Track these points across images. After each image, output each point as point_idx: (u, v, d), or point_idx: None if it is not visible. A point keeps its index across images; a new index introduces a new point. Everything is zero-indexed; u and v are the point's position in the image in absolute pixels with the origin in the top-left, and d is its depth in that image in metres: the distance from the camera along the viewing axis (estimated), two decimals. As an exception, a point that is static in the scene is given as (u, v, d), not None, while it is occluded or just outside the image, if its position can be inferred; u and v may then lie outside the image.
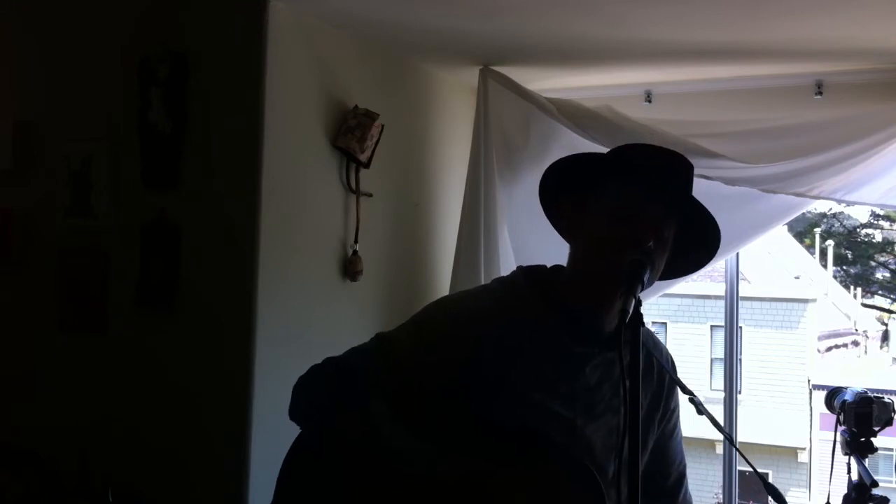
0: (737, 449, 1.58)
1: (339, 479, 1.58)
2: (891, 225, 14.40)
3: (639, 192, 1.53)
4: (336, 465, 1.59)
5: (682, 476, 1.77)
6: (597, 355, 1.59)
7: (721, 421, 3.42)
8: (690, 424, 1.86)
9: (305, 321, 2.72)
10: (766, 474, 11.92)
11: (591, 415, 1.59)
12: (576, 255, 1.63)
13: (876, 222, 14.38)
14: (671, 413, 1.73)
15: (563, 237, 1.65)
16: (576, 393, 1.58)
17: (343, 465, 1.58)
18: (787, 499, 1.70)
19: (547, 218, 1.68)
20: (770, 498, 1.43)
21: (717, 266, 3.69)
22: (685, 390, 1.55)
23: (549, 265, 1.70)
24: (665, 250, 1.55)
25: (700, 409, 1.46)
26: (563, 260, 1.67)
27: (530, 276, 1.67)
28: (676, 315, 12.60)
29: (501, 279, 1.74)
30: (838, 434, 2.24)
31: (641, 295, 1.43)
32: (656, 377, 1.69)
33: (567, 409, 1.57)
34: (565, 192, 1.63)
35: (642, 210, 1.52)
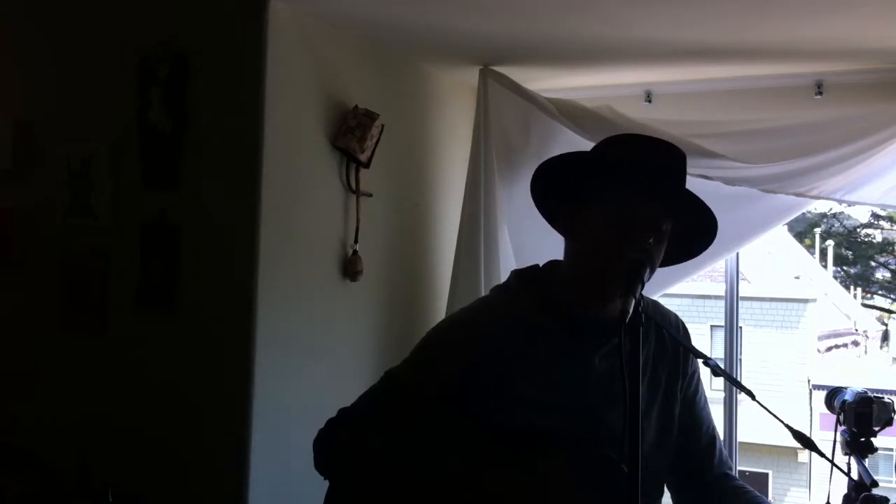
0: (757, 401, 1.55)
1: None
2: (891, 225, 14.40)
3: (637, 193, 1.53)
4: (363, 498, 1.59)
5: (713, 439, 1.77)
6: (604, 344, 1.59)
7: (721, 421, 3.43)
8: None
9: (305, 321, 2.72)
10: (766, 474, 11.91)
11: (610, 401, 1.58)
12: (574, 254, 1.63)
13: (876, 222, 14.37)
14: (690, 378, 1.73)
15: (561, 232, 1.65)
16: (588, 384, 1.58)
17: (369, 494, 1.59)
18: (787, 499, 1.71)
19: (543, 217, 1.68)
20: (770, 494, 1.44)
21: (717, 266, 3.69)
22: (698, 354, 1.55)
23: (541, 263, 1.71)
24: (664, 243, 1.56)
25: (716, 371, 1.46)
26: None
27: (525, 278, 1.67)
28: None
29: (497, 287, 1.76)
30: (838, 434, 2.24)
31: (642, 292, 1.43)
32: (670, 348, 1.69)
33: (581, 401, 1.57)
34: (561, 194, 1.63)
35: (641, 210, 1.52)
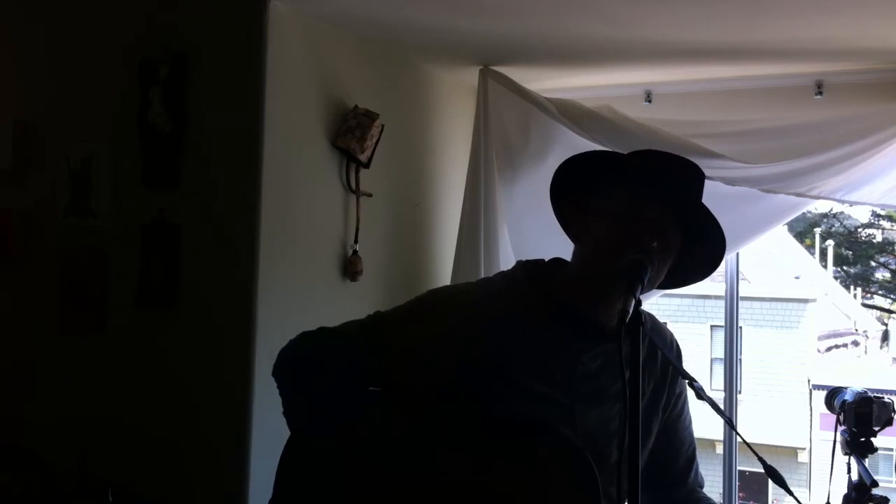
0: (737, 433, 1.56)
1: (335, 474, 1.58)
2: (891, 225, 14.40)
3: (640, 192, 1.53)
4: (332, 459, 1.59)
5: (691, 459, 1.78)
6: (596, 346, 1.59)
7: (721, 421, 3.43)
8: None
9: (305, 321, 2.69)
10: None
11: (592, 402, 1.59)
12: (580, 255, 1.63)
13: (876, 222, 14.38)
14: (676, 398, 1.73)
15: (570, 238, 1.66)
16: (574, 382, 1.59)
17: (340, 459, 1.58)
18: (787, 499, 1.71)
19: (557, 219, 1.68)
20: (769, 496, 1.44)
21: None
22: (685, 376, 1.55)
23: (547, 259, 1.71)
24: (669, 255, 1.55)
25: (700, 395, 1.46)
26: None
27: (529, 271, 1.68)
28: (676, 315, 12.59)
29: (503, 273, 1.75)
30: (838, 434, 2.24)
31: (642, 296, 1.43)
32: (659, 364, 1.70)
33: (566, 398, 1.58)
34: (568, 194, 1.63)
35: (644, 211, 1.52)
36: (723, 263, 3.43)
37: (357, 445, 1.56)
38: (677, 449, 1.76)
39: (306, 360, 1.62)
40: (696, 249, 1.61)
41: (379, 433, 1.55)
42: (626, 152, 1.64)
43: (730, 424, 1.58)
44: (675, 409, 1.73)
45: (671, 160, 1.60)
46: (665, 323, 1.82)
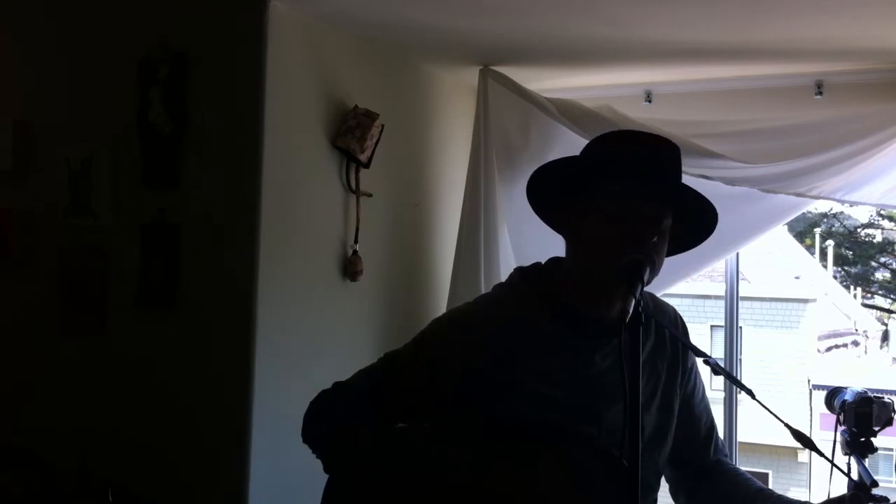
0: (758, 401, 1.55)
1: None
2: (892, 225, 14.40)
3: (634, 191, 1.53)
4: (364, 493, 1.58)
5: (711, 429, 1.80)
6: (606, 344, 1.59)
7: (721, 421, 3.43)
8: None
9: (305, 321, 2.72)
10: (766, 474, 11.91)
11: (611, 399, 1.59)
12: (575, 255, 1.63)
13: (876, 222, 14.38)
14: (689, 372, 1.74)
15: (563, 235, 1.65)
16: (590, 382, 1.59)
17: (371, 491, 1.58)
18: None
19: (543, 221, 1.68)
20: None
21: (717, 266, 3.69)
22: (698, 353, 1.56)
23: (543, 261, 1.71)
24: (665, 240, 1.55)
25: (716, 370, 1.46)
26: (563, 260, 1.67)
27: (528, 276, 1.68)
28: (676, 315, 12.55)
29: (500, 284, 1.76)
30: (838, 434, 2.24)
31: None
32: (669, 343, 1.70)
33: (583, 399, 1.58)
34: (558, 199, 1.63)
35: (640, 209, 1.52)
36: (722, 263, 3.47)
37: (369, 471, 1.56)
38: (697, 422, 1.77)
39: (322, 406, 1.64)
40: (688, 222, 1.60)
41: (393, 456, 1.56)
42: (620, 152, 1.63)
43: (749, 394, 1.58)
44: (689, 383, 1.75)
45: (649, 144, 1.58)
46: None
